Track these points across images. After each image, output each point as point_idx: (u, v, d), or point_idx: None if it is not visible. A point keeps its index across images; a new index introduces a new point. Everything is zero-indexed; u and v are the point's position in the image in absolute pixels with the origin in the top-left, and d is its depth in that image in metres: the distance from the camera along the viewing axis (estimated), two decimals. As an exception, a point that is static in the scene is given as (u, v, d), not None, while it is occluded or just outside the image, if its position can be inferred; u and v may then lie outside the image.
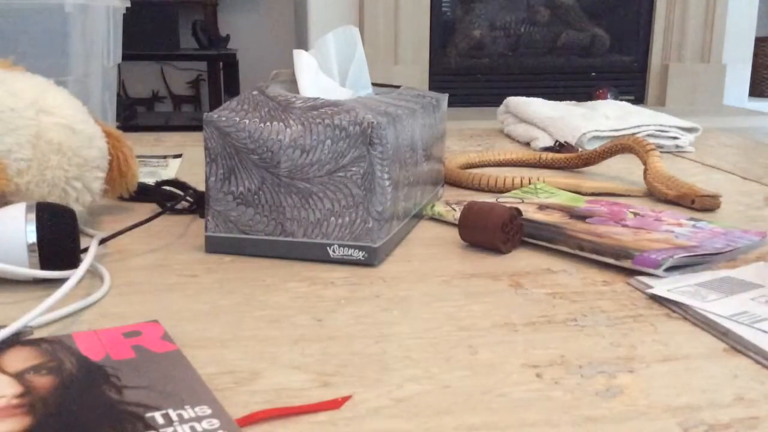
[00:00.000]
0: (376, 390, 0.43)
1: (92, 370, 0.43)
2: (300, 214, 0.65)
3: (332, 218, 0.65)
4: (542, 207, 0.80)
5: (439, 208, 0.80)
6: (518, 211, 0.69)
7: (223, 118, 0.65)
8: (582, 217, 0.76)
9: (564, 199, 0.84)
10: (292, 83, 0.76)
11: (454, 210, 0.79)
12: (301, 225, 0.65)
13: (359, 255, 0.65)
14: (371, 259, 0.65)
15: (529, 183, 0.91)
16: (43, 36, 0.98)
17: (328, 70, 0.78)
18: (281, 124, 0.65)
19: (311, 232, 0.65)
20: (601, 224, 0.73)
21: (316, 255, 0.66)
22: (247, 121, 0.65)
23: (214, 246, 0.68)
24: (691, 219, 0.76)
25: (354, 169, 0.64)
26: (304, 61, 0.75)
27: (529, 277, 0.62)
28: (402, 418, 0.40)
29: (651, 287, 0.59)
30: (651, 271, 0.61)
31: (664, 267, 0.61)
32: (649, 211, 0.79)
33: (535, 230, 0.70)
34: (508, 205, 0.70)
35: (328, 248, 0.65)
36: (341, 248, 0.65)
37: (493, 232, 0.67)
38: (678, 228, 0.72)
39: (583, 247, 0.66)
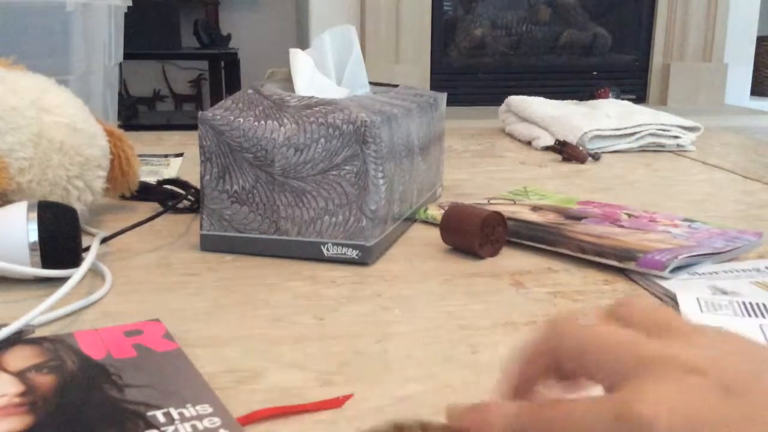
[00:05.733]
0: (377, 389, 0.43)
1: (93, 369, 0.43)
2: (294, 212, 0.65)
3: (326, 217, 0.65)
4: (536, 208, 0.79)
5: (433, 212, 0.78)
6: (501, 216, 0.68)
7: (218, 117, 0.65)
8: (577, 218, 0.75)
9: (555, 201, 0.84)
10: (288, 82, 0.76)
11: None
12: (295, 223, 0.65)
13: (353, 254, 0.65)
14: (365, 257, 0.64)
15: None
16: (45, 35, 0.99)
17: (324, 69, 0.78)
18: (275, 122, 0.65)
19: (305, 231, 0.65)
20: (597, 225, 0.73)
21: (310, 253, 0.65)
22: (241, 120, 0.65)
23: (209, 244, 0.68)
24: (686, 220, 0.76)
25: (347, 167, 0.64)
26: (300, 60, 0.75)
27: (530, 276, 0.62)
28: (403, 417, 0.40)
29: (668, 291, 0.58)
30: (656, 272, 0.61)
31: (669, 269, 0.60)
32: (642, 212, 0.79)
33: (535, 233, 0.69)
34: (495, 209, 0.69)
35: (321, 247, 0.65)
36: (335, 247, 0.65)
37: (471, 235, 0.66)
38: (674, 229, 0.72)
39: (585, 249, 0.65)
